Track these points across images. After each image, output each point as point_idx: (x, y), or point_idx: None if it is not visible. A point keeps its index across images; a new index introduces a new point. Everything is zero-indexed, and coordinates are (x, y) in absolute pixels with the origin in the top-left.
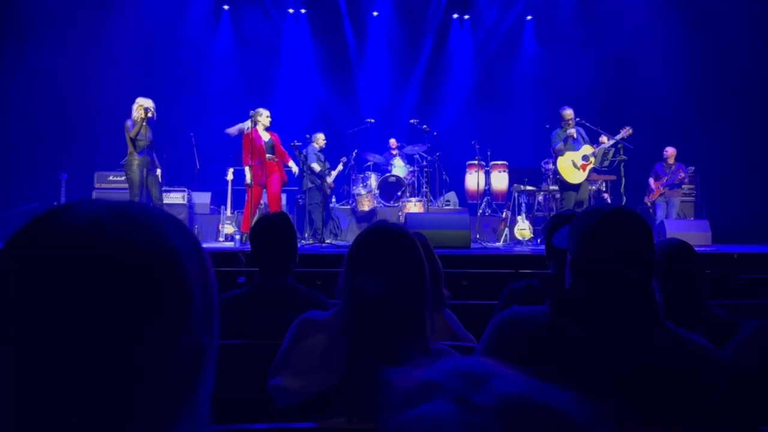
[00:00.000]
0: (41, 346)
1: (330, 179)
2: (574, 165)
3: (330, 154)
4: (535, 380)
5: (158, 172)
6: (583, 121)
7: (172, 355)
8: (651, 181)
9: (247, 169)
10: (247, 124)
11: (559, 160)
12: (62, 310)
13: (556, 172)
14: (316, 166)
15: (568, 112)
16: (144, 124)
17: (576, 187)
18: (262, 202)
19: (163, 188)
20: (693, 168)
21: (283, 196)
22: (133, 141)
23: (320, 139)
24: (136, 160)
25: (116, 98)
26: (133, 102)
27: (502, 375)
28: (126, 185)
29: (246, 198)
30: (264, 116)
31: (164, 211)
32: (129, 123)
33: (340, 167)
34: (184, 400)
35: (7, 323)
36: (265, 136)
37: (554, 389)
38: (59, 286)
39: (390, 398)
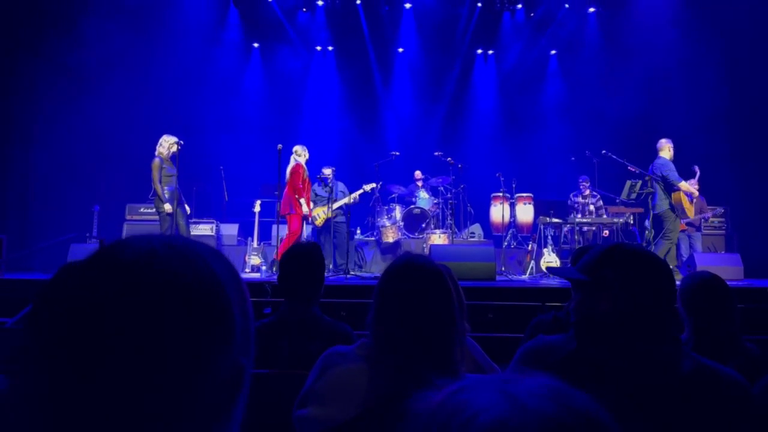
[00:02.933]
0: (92, 359)
1: (334, 205)
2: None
3: (355, 187)
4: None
5: (186, 208)
6: (610, 154)
7: (216, 374)
8: None
9: (303, 200)
10: (296, 158)
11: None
12: (118, 332)
13: (657, 201)
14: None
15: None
16: (168, 159)
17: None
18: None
19: (193, 219)
20: (723, 210)
21: (309, 228)
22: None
23: (324, 171)
24: (167, 194)
25: (148, 133)
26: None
27: (531, 377)
28: (156, 217)
29: (289, 227)
30: (307, 152)
31: (206, 244)
32: (158, 160)
33: (354, 195)
34: (222, 418)
35: (69, 337)
36: (306, 172)
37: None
38: (114, 312)
39: (415, 418)
